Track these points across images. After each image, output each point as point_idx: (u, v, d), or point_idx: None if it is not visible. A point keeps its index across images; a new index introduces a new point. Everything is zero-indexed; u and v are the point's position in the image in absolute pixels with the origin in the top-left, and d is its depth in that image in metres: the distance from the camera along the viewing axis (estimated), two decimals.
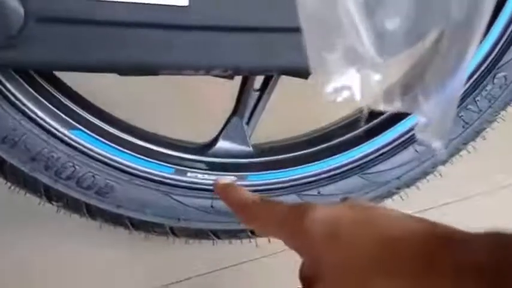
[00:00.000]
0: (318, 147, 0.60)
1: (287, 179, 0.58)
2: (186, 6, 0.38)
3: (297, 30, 0.32)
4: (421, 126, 0.30)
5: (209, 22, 0.39)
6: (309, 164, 0.58)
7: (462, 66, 0.28)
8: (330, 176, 0.59)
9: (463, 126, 0.58)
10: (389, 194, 0.62)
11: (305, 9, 0.24)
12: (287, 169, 0.58)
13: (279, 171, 0.58)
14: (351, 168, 0.58)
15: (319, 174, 0.58)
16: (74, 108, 0.50)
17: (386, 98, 0.25)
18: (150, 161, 0.54)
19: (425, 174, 0.60)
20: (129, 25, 0.38)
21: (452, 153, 0.59)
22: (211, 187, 0.56)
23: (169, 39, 0.39)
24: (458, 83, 0.30)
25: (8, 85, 0.46)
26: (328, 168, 0.59)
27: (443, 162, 0.61)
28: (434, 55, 0.28)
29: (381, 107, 0.26)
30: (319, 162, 0.59)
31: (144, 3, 0.38)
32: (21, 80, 0.47)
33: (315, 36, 0.24)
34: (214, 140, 0.59)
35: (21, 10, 0.36)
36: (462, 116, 0.58)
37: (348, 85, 0.23)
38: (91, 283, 0.60)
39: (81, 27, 0.37)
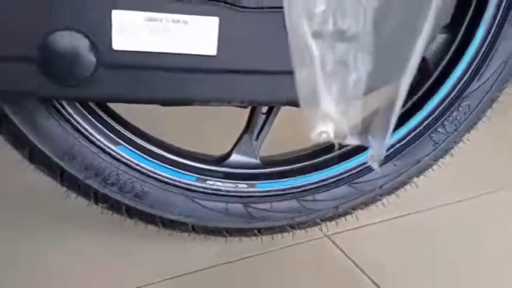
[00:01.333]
0: (314, 161, 0.72)
1: (289, 186, 0.70)
2: (214, 56, 0.51)
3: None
4: (370, 155, 0.40)
5: (231, 67, 0.52)
6: (307, 175, 0.71)
7: (392, 119, 0.38)
8: (324, 185, 0.71)
9: (433, 146, 0.70)
10: (374, 201, 0.74)
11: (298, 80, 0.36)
12: (289, 178, 0.70)
13: (282, 180, 0.70)
14: (342, 179, 0.70)
15: (315, 183, 0.71)
16: (119, 129, 0.63)
17: (350, 137, 0.36)
18: (177, 171, 0.67)
19: (402, 184, 0.72)
20: (172, 69, 0.51)
21: (424, 168, 0.71)
22: (226, 193, 0.68)
23: (201, 80, 0.52)
24: (390, 130, 0.40)
25: (71, 111, 0.59)
26: (322, 178, 0.71)
27: (418, 175, 0.73)
28: (377, 108, 0.39)
29: (348, 142, 0.37)
30: (315, 173, 0.71)
31: (183, 54, 0.51)
32: (81, 107, 0.59)
33: (303, 92, 0.35)
34: (229, 154, 0.71)
35: (94, 59, 0.48)
36: (433, 137, 0.70)
37: (325, 130, 0.34)
38: (110, 272, 0.71)
39: (137, 71, 0.49)
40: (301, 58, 0.30)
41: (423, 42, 0.33)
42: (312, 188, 0.70)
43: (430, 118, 0.70)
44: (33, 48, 0.47)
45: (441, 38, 0.68)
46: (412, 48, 0.32)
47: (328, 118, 0.32)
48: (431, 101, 0.70)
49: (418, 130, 0.70)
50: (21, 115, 0.57)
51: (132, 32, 0.48)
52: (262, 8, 0.50)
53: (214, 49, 0.50)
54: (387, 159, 0.71)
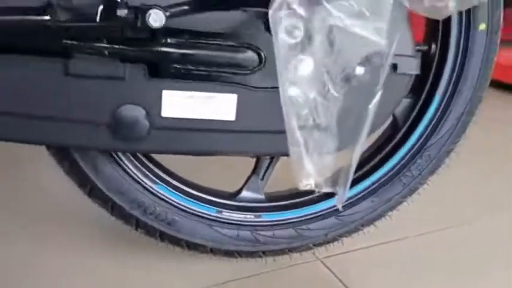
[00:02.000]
0: (307, 197, 0.90)
1: (287, 217, 0.88)
2: (233, 121, 0.70)
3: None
4: (336, 199, 0.57)
5: (245, 129, 0.71)
6: (302, 208, 0.89)
7: (350, 174, 0.54)
8: (315, 217, 0.89)
9: (402, 186, 0.88)
10: (356, 230, 0.91)
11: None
12: (287, 211, 0.88)
13: (282, 212, 0.88)
14: (329, 212, 0.88)
15: (308, 215, 0.88)
16: (158, 172, 0.82)
17: (325, 187, 0.54)
18: (200, 204, 0.85)
19: (379, 216, 0.90)
20: (203, 130, 0.70)
21: (396, 204, 0.89)
22: (238, 222, 0.86)
23: (223, 138, 0.71)
24: (349, 182, 0.56)
25: (123, 158, 0.78)
26: (314, 211, 0.89)
27: (391, 210, 0.91)
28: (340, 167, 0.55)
29: (324, 190, 0.54)
30: (308, 207, 0.89)
31: (211, 119, 0.70)
32: (130, 155, 0.78)
33: (293, 158, 0.52)
34: (240, 190, 0.89)
35: (148, 124, 0.67)
36: (402, 179, 0.88)
37: (308, 183, 0.51)
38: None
39: (179, 132, 0.68)
40: (292, 139, 0.48)
41: (368, 125, 0.51)
42: (306, 219, 0.88)
43: (400, 164, 0.88)
44: (107, 116, 0.66)
45: (406, 101, 0.88)
46: (361, 128, 0.50)
47: (309, 174, 0.50)
48: (400, 150, 0.88)
49: (390, 173, 0.89)
50: (87, 161, 0.76)
51: (175, 104, 0.67)
52: (268, 88, 0.69)
53: (233, 116, 0.70)
54: (366, 196, 0.89)
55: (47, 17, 0.52)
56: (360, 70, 0.43)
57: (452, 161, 0.90)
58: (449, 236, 1.06)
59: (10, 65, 0.60)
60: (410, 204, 0.91)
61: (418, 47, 0.82)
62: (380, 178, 0.89)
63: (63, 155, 0.76)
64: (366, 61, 0.43)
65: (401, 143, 0.88)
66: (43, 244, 0.94)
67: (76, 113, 0.65)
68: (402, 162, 0.88)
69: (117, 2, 0.52)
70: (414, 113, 0.87)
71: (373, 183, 0.89)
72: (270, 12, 0.43)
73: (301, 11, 0.41)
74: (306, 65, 0.43)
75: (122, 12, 0.52)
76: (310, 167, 0.48)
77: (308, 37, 0.42)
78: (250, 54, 0.67)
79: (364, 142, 0.50)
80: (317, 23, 0.41)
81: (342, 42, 0.42)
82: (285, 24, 0.41)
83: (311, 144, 0.47)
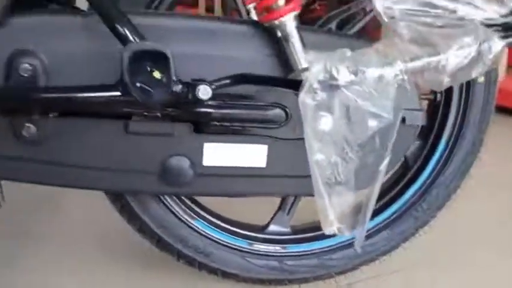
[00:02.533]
0: None
1: (312, 248, 0.98)
2: (264, 167, 0.82)
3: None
4: (355, 242, 0.67)
5: (274, 174, 0.82)
6: (325, 240, 0.99)
7: (366, 221, 0.64)
8: (337, 248, 0.99)
9: (414, 220, 0.98)
10: (373, 260, 1.01)
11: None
12: (312, 243, 0.99)
13: (307, 243, 0.99)
14: (350, 243, 0.98)
15: (331, 246, 0.99)
16: (196, 209, 0.93)
17: (345, 230, 0.63)
18: (233, 237, 0.96)
19: (394, 247, 1.00)
20: (238, 175, 0.81)
21: (409, 236, 0.99)
22: (267, 253, 0.97)
23: (255, 182, 0.82)
24: (366, 224, 0.66)
25: (167, 198, 0.90)
26: (336, 242, 0.99)
27: (405, 240, 1.01)
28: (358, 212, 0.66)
29: (345, 234, 0.64)
30: (330, 239, 0.99)
31: (244, 166, 0.81)
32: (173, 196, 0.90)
33: (319, 206, 0.63)
34: (268, 224, 1.00)
35: (192, 171, 0.79)
36: (413, 213, 0.98)
37: (333, 229, 0.61)
38: None
39: (218, 178, 0.80)
40: (318, 193, 0.59)
41: (380, 182, 0.61)
42: (329, 250, 0.98)
43: (411, 200, 0.98)
44: (157, 166, 0.78)
45: (416, 143, 0.98)
46: (374, 184, 0.60)
47: (332, 222, 0.61)
48: (411, 188, 0.99)
49: (402, 209, 0.99)
50: (137, 202, 0.88)
51: (215, 155, 0.79)
52: (293, 138, 0.81)
53: (264, 163, 0.81)
54: (381, 229, 0.99)
55: (118, 93, 0.64)
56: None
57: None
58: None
59: (82, 126, 0.73)
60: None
61: (425, 96, 0.93)
62: (393, 213, 0.99)
63: (116, 196, 0.88)
64: (376, 132, 0.54)
65: (412, 181, 0.99)
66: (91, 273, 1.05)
67: (132, 164, 0.77)
68: (413, 199, 0.98)
69: (173, 80, 0.64)
70: (423, 155, 0.98)
71: (388, 218, 0.99)
72: (300, 96, 0.54)
73: (323, 95, 0.52)
74: (328, 135, 0.54)
75: (177, 88, 0.65)
76: (333, 215, 0.59)
77: (330, 114, 0.53)
78: (278, 112, 0.79)
79: (377, 194, 0.61)
80: (337, 104, 0.52)
81: (356, 117, 0.53)
82: (312, 106, 0.53)
83: (333, 197, 0.58)
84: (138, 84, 0.62)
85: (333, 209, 0.58)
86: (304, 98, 0.53)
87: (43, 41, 0.69)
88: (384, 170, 0.61)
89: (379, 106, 0.52)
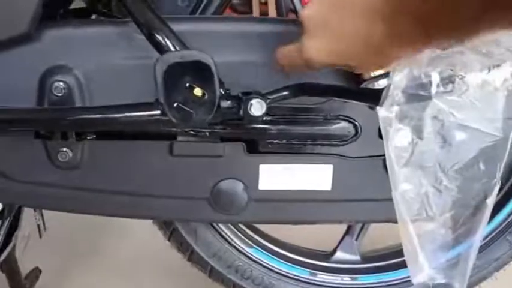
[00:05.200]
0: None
1: (386, 280, 0.85)
2: (330, 190, 0.70)
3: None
4: None
5: (342, 198, 0.70)
6: (402, 269, 0.85)
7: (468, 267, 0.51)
8: None
9: (509, 247, 0.83)
10: None
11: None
12: (386, 273, 0.86)
13: (380, 274, 0.86)
14: None
15: (407, 277, 0.85)
16: (252, 235, 0.83)
17: (441, 279, 0.50)
18: (294, 266, 0.85)
19: (483, 278, 0.85)
20: (300, 200, 0.70)
21: (501, 266, 0.84)
22: (333, 285, 0.85)
23: (320, 207, 0.71)
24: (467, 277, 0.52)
25: (220, 225, 0.80)
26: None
27: (499, 268, 0.85)
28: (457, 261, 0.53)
29: (439, 282, 0.51)
30: (406, 268, 0.86)
31: (307, 190, 0.70)
32: None
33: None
34: (334, 251, 0.88)
35: (246, 196, 0.69)
36: (508, 239, 0.83)
37: (423, 276, 0.49)
38: None
39: (276, 203, 0.69)
40: (405, 233, 0.47)
41: (487, 217, 0.48)
42: (405, 281, 0.85)
43: (504, 223, 0.83)
44: (207, 191, 0.68)
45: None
46: (479, 221, 0.47)
47: (423, 267, 0.48)
48: (504, 209, 0.83)
49: (495, 233, 0.84)
50: (187, 230, 0.79)
51: (272, 177, 0.69)
52: (364, 156, 0.68)
53: (329, 186, 0.69)
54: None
55: (158, 112, 0.55)
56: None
57: None
58: None
59: (121, 149, 0.65)
60: None
61: None
62: (485, 237, 0.84)
63: (165, 223, 0.80)
64: (480, 153, 0.42)
65: (503, 203, 0.83)
66: None
67: (179, 189, 0.68)
68: (507, 220, 0.83)
69: (221, 94, 0.54)
70: None
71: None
72: (380, 111, 0.42)
73: (410, 109, 0.40)
74: (416, 161, 0.42)
75: (224, 104, 0.55)
76: (424, 260, 0.47)
77: (418, 134, 0.41)
78: (344, 125, 0.67)
79: (481, 235, 0.48)
80: (427, 119, 0.40)
81: (454, 136, 0.41)
82: (395, 123, 0.41)
83: (425, 237, 0.46)
84: (175, 104, 0.53)
85: (424, 252, 0.46)
86: (386, 113, 0.41)
87: (77, 55, 0.61)
88: (491, 204, 0.48)
89: (483, 120, 0.40)
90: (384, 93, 0.42)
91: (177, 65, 0.52)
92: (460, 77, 0.39)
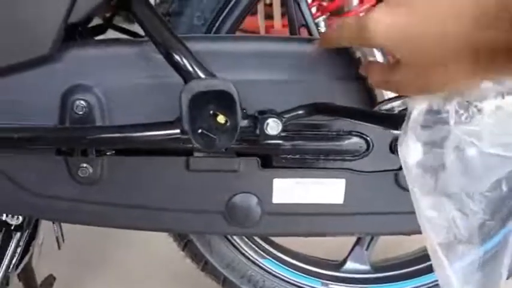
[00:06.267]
0: (419, 266, 0.88)
1: None
2: (342, 203, 0.71)
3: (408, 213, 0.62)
4: None
5: (354, 211, 0.72)
6: (413, 279, 0.87)
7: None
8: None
9: None
10: None
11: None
12: (397, 282, 0.87)
13: (391, 283, 0.87)
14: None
15: (421, 286, 0.86)
16: (265, 246, 0.85)
17: None
18: (306, 277, 0.87)
19: None
20: (313, 214, 0.71)
21: None
22: None
23: (332, 220, 0.72)
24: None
25: (234, 237, 0.81)
26: (425, 282, 0.87)
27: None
28: None
29: None
30: (420, 277, 0.87)
31: (320, 203, 0.71)
32: None
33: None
34: (344, 261, 0.90)
35: (260, 210, 0.70)
36: None
37: None
38: None
39: (289, 216, 0.71)
40: (433, 255, 0.47)
41: None
42: None
43: None
44: (222, 204, 0.70)
45: None
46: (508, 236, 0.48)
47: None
48: None
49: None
50: (202, 241, 0.80)
51: (286, 191, 0.70)
52: (376, 171, 0.70)
53: (341, 199, 0.71)
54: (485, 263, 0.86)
55: (177, 130, 0.57)
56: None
57: None
58: None
59: (139, 164, 0.67)
60: None
61: None
62: (494, 246, 0.85)
63: (179, 235, 0.81)
64: (502, 176, 0.43)
65: None
66: None
67: (195, 203, 0.70)
68: None
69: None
70: None
71: (489, 251, 0.85)
72: (401, 139, 0.44)
73: (431, 137, 0.41)
74: (440, 188, 0.43)
75: (242, 123, 0.57)
76: (457, 283, 0.48)
77: (440, 163, 0.43)
78: (356, 141, 0.69)
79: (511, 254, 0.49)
80: (449, 147, 0.41)
81: (475, 162, 0.42)
82: (417, 152, 0.42)
83: (455, 260, 0.46)
84: (199, 131, 0.55)
85: (456, 274, 0.47)
86: (407, 142, 0.42)
87: (97, 74, 0.63)
88: None
89: (501, 145, 0.41)
90: (403, 128, 0.43)
91: (201, 94, 0.54)
92: (475, 106, 0.40)
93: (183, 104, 0.54)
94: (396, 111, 0.56)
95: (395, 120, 0.46)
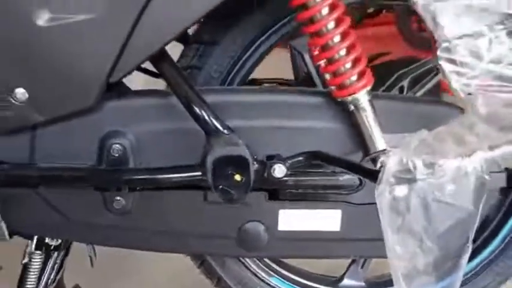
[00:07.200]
0: None
1: None
2: (338, 231, 0.82)
3: None
4: None
5: (349, 237, 0.83)
6: None
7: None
8: None
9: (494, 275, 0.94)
10: None
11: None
12: None
13: None
14: None
15: None
16: (271, 264, 0.96)
17: None
18: None
19: None
20: (313, 239, 0.82)
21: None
22: None
23: (329, 245, 0.83)
24: None
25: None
26: None
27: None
28: None
29: None
30: None
31: (318, 230, 0.82)
32: None
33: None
34: (341, 278, 1.01)
35: (267, 236, 0.82)
36: (494, 269, 0.95)
37: None
38: None
39: (294, 242, 0.82)
40: (397, 283, 0.59)
41: (462, 270, 0.59)
42: None
43: (492, 255, 0.95)
44: (234, 231, 0.81)
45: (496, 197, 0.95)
46: (457, 271, 0.59)
47: None
48: (492, 242, 0.95)
49: (483, 264, 0.95)
50: (216, 260, 0.92)
51: (290, 220, 0.81)
52: (367, 203, 0.81)
53: (338, 227, 0.82)
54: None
55: (199, 173, 0.68)
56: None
57: None
58: None
59: (165, 197, 0.78)
60: None
61: None
62: (474, 268, 0.96)
63: (196, 255, 0.93)
64: (455, 222, 0.54)
65: (492, 236, 0.95)
66: None
67: (211, 229, 0.81)
68: (494, 254, 0.95)
69: (247, 160, 0.67)
70: (504, 209, 0.94)
71: (468, 273, 0.96)
72: (378, 189, 0.55)
73: (400, 188, 0.52)
74: (405, 228, 0.54)
75: (253, 167, 0.68)
76: None
77: (407, 208, 0.54)
78: (351, 178, 0.80)
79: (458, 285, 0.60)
80: (414, 196, 0.52)
81: (435, 208, 0.53)
82: (389, 199, 0.53)
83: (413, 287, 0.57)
84: (220, 187, 0.67)
85: None
86: (382, 191, 0.54)
87: (131, 122, 0.74)
88: (465, 262, 0.60)
89: (458, 197, 0.52)
90: (380, 175, 0.55)
91: (223, 157, 0.66)
92: (439, 165, 0.51)
93: (208, 163, 0.66)
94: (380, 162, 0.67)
95: (376, 174, 0.57)
